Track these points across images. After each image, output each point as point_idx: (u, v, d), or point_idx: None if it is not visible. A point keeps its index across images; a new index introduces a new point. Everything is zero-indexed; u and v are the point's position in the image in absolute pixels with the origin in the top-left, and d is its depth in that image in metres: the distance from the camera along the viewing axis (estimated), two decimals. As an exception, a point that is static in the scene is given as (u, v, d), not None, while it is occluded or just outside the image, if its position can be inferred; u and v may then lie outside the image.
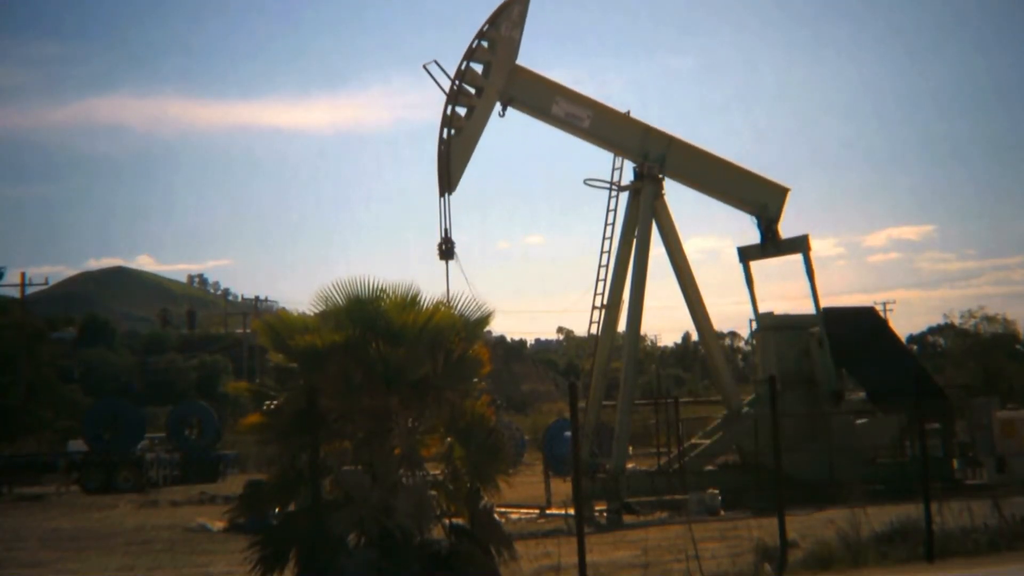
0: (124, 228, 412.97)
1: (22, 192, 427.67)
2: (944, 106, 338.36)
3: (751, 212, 36.62)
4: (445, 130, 32.38)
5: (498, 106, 33.08)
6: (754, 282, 37.52)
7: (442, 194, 32.18)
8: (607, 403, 36.37)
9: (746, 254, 37.42)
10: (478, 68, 32.86)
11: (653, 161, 34.79)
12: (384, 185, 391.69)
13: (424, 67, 32.31)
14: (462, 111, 32.64)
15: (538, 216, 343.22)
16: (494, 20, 32.56)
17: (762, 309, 37.96)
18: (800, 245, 36.63)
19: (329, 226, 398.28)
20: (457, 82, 32.45)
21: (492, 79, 32.71)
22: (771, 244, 36.65)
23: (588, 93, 34.77)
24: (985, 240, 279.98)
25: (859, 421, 36.74)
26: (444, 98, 32.37)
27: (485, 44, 32.72)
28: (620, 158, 35.82)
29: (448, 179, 32.20)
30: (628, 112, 35.58)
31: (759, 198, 36.42)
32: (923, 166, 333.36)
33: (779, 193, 36.73)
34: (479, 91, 32.69)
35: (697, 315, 36.04)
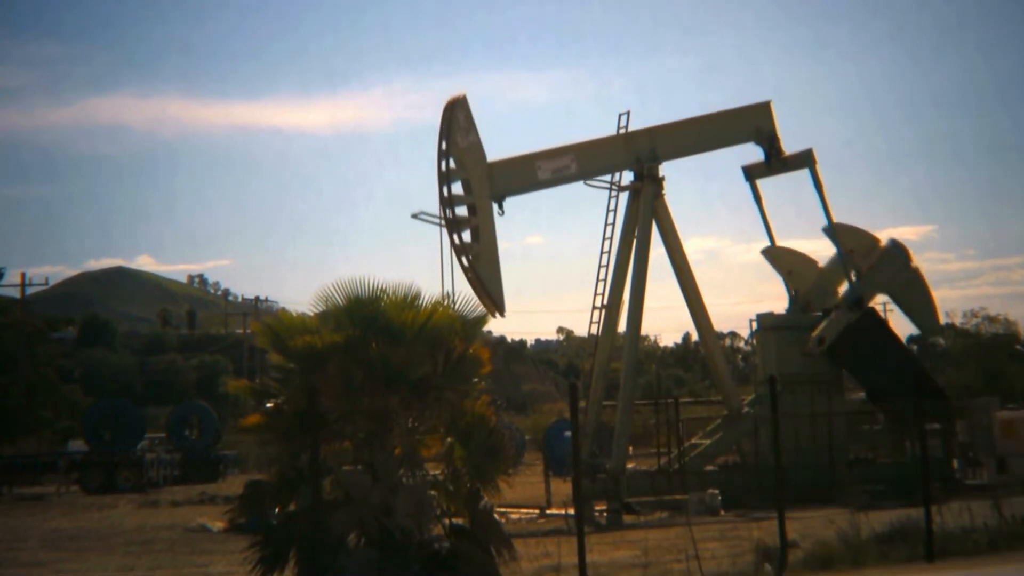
0: (124, 228, 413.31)
1: (22, 192, 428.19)
2: (944, 106, 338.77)
3: (751, 140, 36.74)
4: (463, 259, 31.47)
5: (495, 207, 32.42)
6: (763, 200, 37.81)
7: (493, 316, 31.67)
8: (607, 403, 36.39)
9: (751, 173, 37.58)
10: (458, 187, 31.97)
11: (647, 161, 34.83)
12: (384, 185, 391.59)
13: (413, 217, 31.87)
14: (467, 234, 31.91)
15: (538, 216, 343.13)
16: (446, 135, 31.45)
17: (764, 309, 38.09)
18: (805, 159, 36.68)
19: (329, 226, 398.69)
20: (450, 212, 31.46)
21: (478, 192, 31.88)
22: (776, 161, 36.72)
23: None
24: (985, 240, 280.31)
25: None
26: (446, 231, 31.50)
27: (452, 163, 31.72)
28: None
29: (493, 303, 31.42)
30: (628, 112, 35.63)
31: (749, 125, 36.56)
32: (923, 166, 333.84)
33: (763, 110, 36.82)
34: (472, 209, 31.92)
35: (697, 315, 36.05)
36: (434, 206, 32.40)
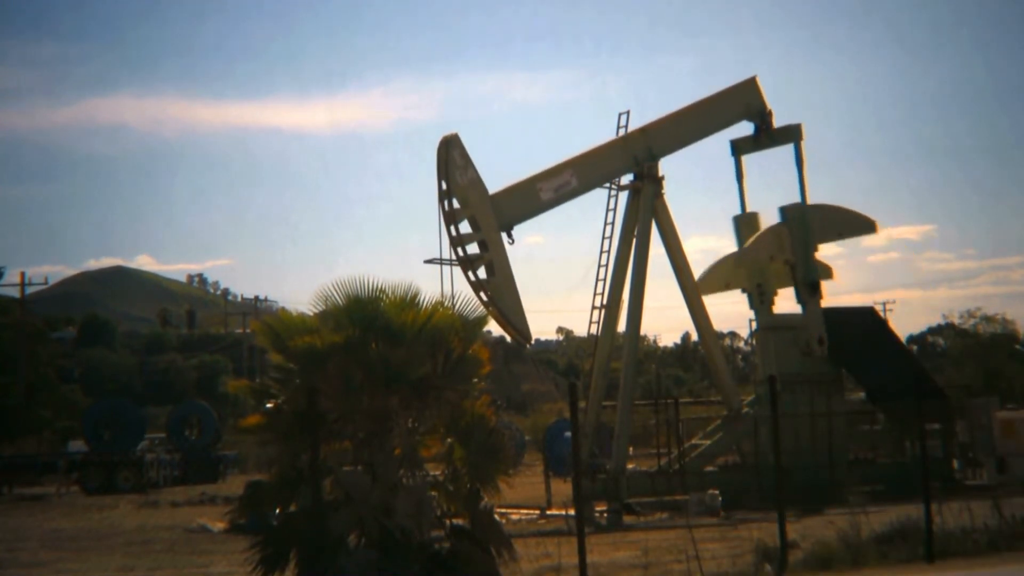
0: (124, 228, 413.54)
1: (22, 192, 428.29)
2: (944, 106, 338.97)
3: (743, 119, 36.90)
4: (481, 294, 31.17)
5: (505, 237, 32.23)
6: (744, 177, 37.98)
7: (521, 345, 31.68)
8: (607, 403, 36.37)
9: (738, 147, 37.63)
10: (463, 224, 31.71)
11: (645, 160, 34.83)
12: (384, 186, 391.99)
13: (425, 262, 31.75)
14: (482, 272, 31.66)
15: (538, 216, 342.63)
16: (445, 175, 31.26)
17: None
18: (793, 133, 36.76)
19: (329, 226, 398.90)
20: (460, 252, 31.29)
21: (485, 228, 31.66)
22: (765, 135, 36.79)
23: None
24: (985, 240, 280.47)
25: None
26: (460, 271, 31.38)
27: (456, 203, 31.52)
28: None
29: (520, 334, 31.52)
30: (628, 112, 35.61)
31: (738, 104, 36.69)
32: (923, 166, 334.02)
33: (749, 87, 36.91)
34: (483, 244, 31.72)
35: (697, 315, 36.02)
36: (435, 236, 32.14)
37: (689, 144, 36.60)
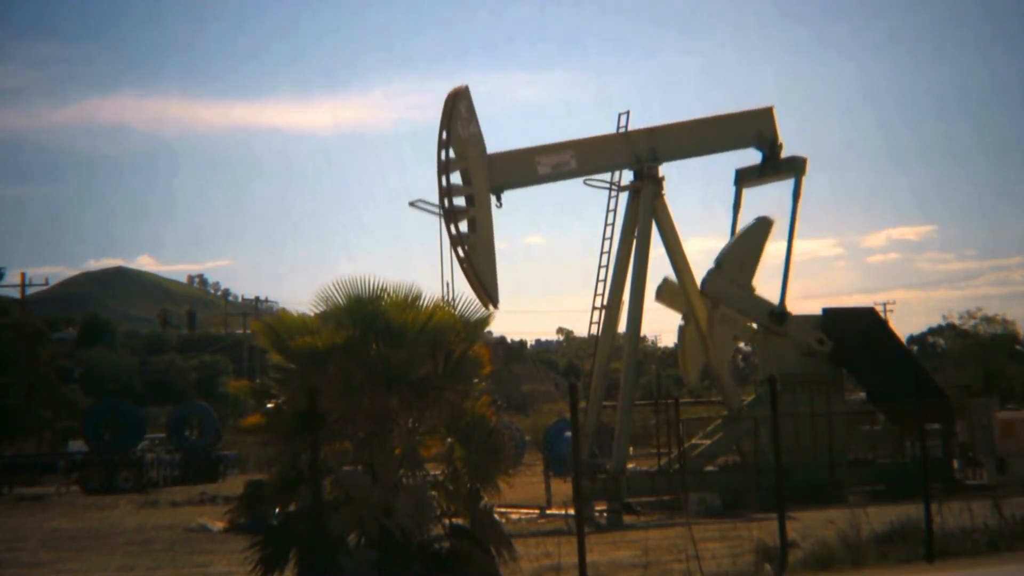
0: (124, 228, 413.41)
1: (22, 192, 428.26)
2: (944, 106, 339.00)
3: (751, 145, 36.56)
4: (459, 248, 31.37)
5: (493, 199, 32.33)
6: (741, 208, 37.49)
7: (487, 307, 31.61)
8: (607, 403, 36.37)
9: (742, 176, 37.24)
10: (456, 178, 31.87)
11: (646, 161, 34.80)
12: (385, 186, 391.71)
13: (411, 204, 31.80)
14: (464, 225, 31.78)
15: (538, 216, 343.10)
16: (447, 125, 31.38)
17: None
18: (797, 166, 36.23)
19: (329, 226, 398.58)
20: (447, 202, 31.38)
21: (477, 183, 31.80)
22: (771, 166, 36.43)
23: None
24: (985, 240, 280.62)
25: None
26: (443, 222, 31.40)
27: (452, 154, 31.71)
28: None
29: (487, 294, 31.33)
30: (628, 112, 35.60)
31: (750, 130, 36.40)
32: (923, 166, 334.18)
33: (765, 115, 36.66)
34: (470, 199, 31.87)
35: (697, 315, 36.00)
36: (434, 197, 32.41)
37: (693, 156, 36.45)
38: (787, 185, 36.47)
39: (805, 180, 36.16)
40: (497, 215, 32.21)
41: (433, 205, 31.66)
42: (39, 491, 50.59)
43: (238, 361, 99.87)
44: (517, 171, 33.19)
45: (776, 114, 36.63)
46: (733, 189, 37.56)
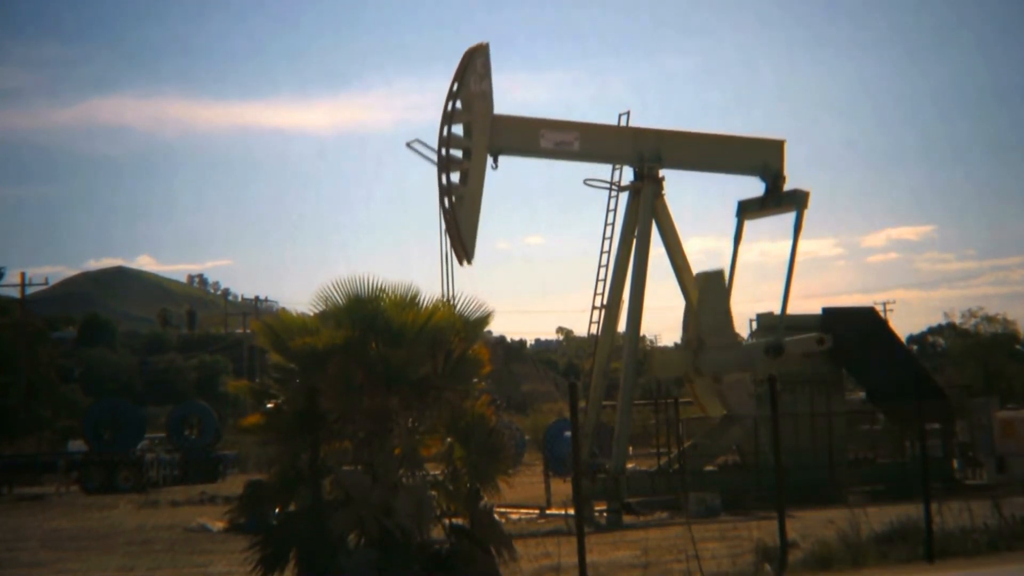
0: (124, 228, 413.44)
1: (22, 192, 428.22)
2: (944, 106, 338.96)
3: (755, 174, 36.43)
4: (446, 199, 31.60)
5: (489, 159, 32.39)
6: (742, 240, 37.20)
7: (461, 263, 31.76)
8: (607, 403, 36.35)
9: (745, 208, 37.05)
10: (459, 130, 32.02)
11: (649, 161, 34.78)
12: (385, 186, 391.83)
13: (408, 145, 31.85)
14: (455, 176, 31.93)
15: (538, 216, 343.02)
16: (460, 77, 31.64)
17: (762, 308, 37.98)
18: (799, 200, 36.05)
19: (329, 226, 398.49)
20: (444, 150, 31.61)
21: (476, 138, 31.91)
22: (771, 198, 36.32)
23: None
24: (985, 240, 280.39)
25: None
26: (436, 170, 31.63)
27: (459, 105, 31.84)
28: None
29: (464, 248, 31.54)
30: (628, 112, 35.58)
31: (757, 158, 36.30)
32: (923, 166, 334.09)
33: (775, 147, 36.57)
34: (467, 153, 31.94)
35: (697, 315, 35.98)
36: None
37: (695, 170, 36.38)
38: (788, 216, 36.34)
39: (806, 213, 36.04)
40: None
41: (430, 150, 31.94)
42: (39, 491, 50.60)
43: (238, 361, 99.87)
44: (519, 138, 33.41)
45: (786, 149, 36.51)
46: (735, 221, 37.20)
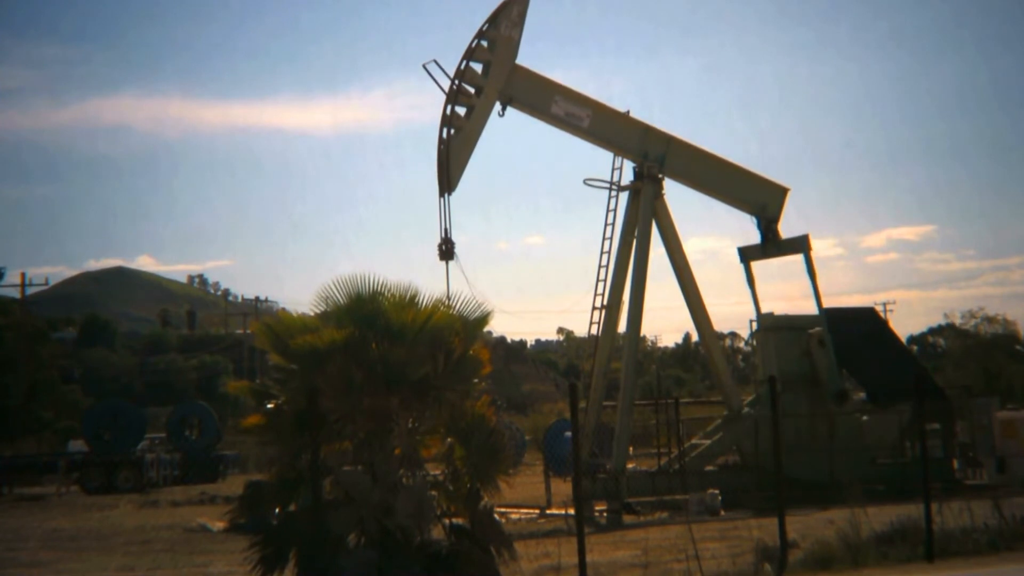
0: (124, 228, 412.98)
1: (22, 192, 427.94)
2: (944, 106, 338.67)
3: (750, 212, 36.67)
4: (444, 129, 32.40)
5: (498, 106, 33.12)
6: (755, 282, 37.64)
7: (442, 194, 32.20)
8: (607, 403, 36.36)
9: (747, 254, 37.46)
10: (478, 68, 32.89)
11: (653, 161, 34.80)
12: (385, 186, 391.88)
13: (424, 66, 32.45)
14: (461, 111, 32.67)
15: (538, 216, 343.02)
16: (494, 19, 32.62)
17: (764, 309, 38.01)
18: (801, 245, 36.63)
19: (329, 226, 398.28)
20: (456, 81, 32.47)
21: (491, 78, 32.73)
22: (772, 244, 36.67)
23: (589, 94, 34.82)
24: (985, 240, 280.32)
25: (863, 418, 36.77)
26: (444, 98, 32.44)
27: (484, 43, 32.76)
28: (620, 158, 35.87)
29: (448, 179, 32.19)
30: (628, 112, 35.63)
31: (758, 198, 36.46)
32: (923, 166, 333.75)
33: (778, 193, 36.77)
34: (479, 90, 32.72)
35: (697, 315, 36.02)
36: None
37: (693, 187, 36.33)
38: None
39: (812, 253, 36.62)
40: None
41: (445, 75, 32.63)
42: (39, 491, 50.61)
43: (238, 361, 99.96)
44: (533, 93, 33.86)
45: (788, 198, 36.79)
46: (742, 266, 37.69)
